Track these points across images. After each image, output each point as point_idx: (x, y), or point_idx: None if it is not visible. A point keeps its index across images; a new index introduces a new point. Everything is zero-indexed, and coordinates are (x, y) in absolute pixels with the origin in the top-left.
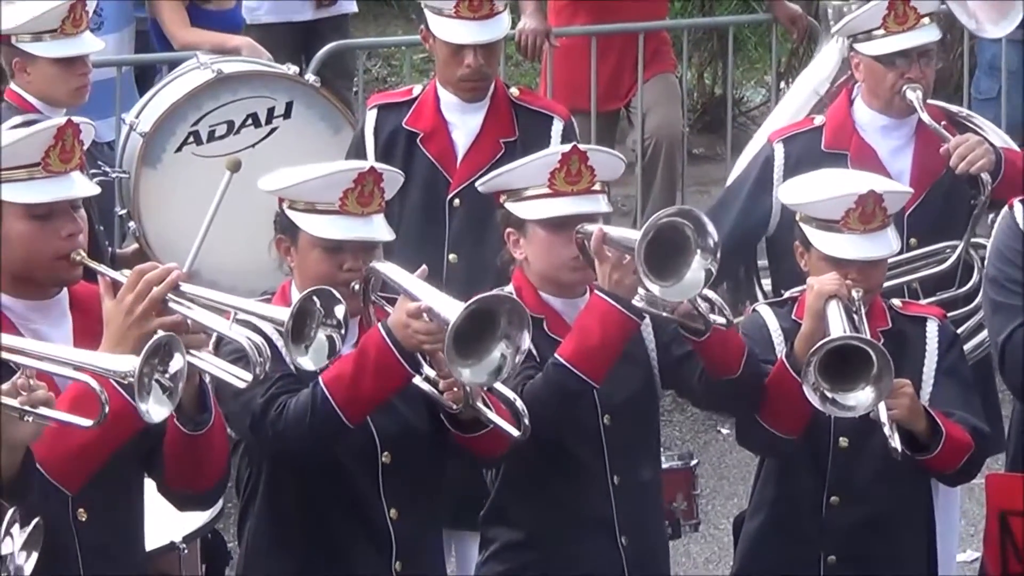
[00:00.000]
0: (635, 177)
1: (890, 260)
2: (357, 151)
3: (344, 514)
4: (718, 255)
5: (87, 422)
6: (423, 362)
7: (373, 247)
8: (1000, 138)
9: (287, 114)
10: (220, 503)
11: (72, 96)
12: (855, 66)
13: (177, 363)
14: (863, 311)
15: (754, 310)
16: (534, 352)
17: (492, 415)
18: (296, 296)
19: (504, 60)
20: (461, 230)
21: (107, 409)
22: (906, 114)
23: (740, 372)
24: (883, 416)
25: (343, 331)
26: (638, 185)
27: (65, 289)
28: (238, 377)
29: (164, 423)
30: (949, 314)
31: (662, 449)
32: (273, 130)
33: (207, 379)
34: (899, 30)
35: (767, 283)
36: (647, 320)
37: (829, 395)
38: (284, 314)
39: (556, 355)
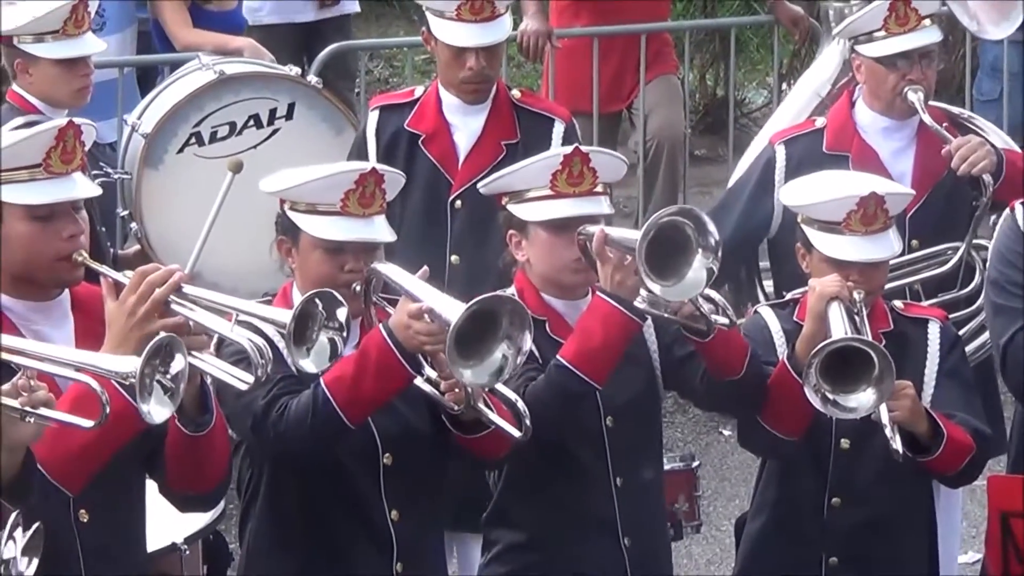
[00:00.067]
0: (637, 178)
1: (892, 262)
2: (359, 152)
3: (345, 515)
4: (719, 254)
5: (88, 423)
6: (424, 363)
7: (374, 248)
8: (1001, 139)
9: (289, 115)
10: (222, 504)
11: (74, 97)
12: (856, 68)
13: (178, 364)
14: (864, 313)
15: (755, 311)
16: (536, 354)
17: (493, 416)
18: (297, 297)
19: (506, 61)
20: (463, 232)
21: (108, 410)
22: (907, 116)
23: (743, 373)
24: (884, 418)
25: (345, 333)
26: (640, 186)
27: (67, 290)
28: (240, 379)
29: (165, 424)
30: (951, 316)
31: (664, 450)
32: (275, 131)
33: (208, 380)
34: (900, 31)
35: (768, 285)
36: (649, 321)
37: (830, 397)
38: (286, 316)
39: (558, 356)
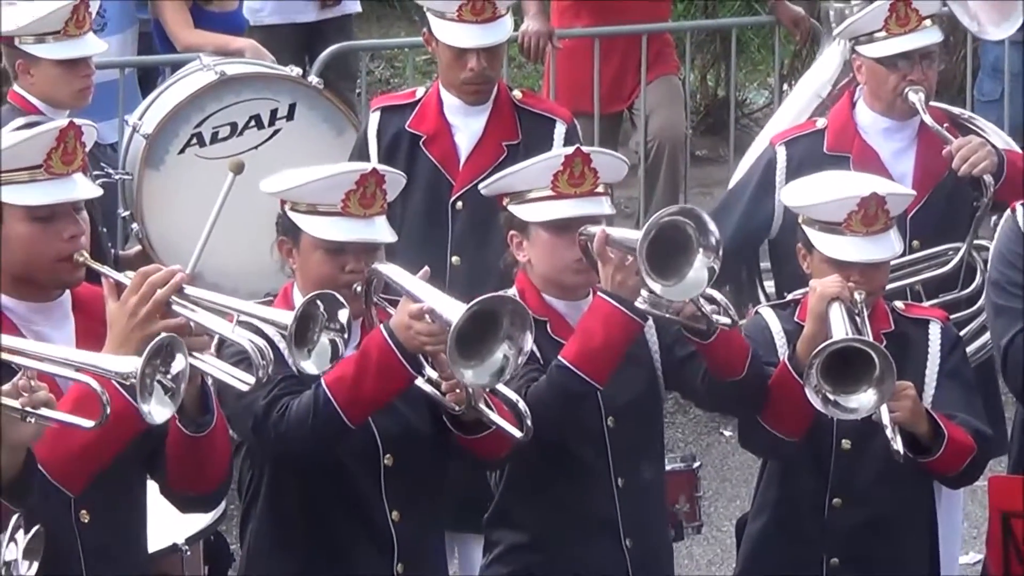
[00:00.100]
0: (638, 179)
1: (893, 262)
2: (360, 154)
3: (346, 516)
4: (720, 253)
5: (89, 423)
6: (425, 364)
7: (375, 249)
8: (1002, 140)
9: (290, 116)
10: (223, 505)
11: (75, 98)
12: (857, 68)
13: (179, 364)
14: (865, 313)
15: (756, 312)
16: (537, 354)
17: (494, 416)
18: (298, 298)
19: (507, 62)
20: (464, 233)
21: (108, 410)
22: (908, 116)
23: (744, 374)
24: (885, 418)
25: (346, 335)
26: (641, 187)
27: (67, 291)
28: (241, 380)
29: (166, 424)
30: (952, 316)
31: (664, 451)
32: (276, 132)
33: (209, 381)
34: (901, 32)
35: (770, 285)
36: (650, 322)
37: (831, 397)
38: (287, 318)
39: (559, 357)
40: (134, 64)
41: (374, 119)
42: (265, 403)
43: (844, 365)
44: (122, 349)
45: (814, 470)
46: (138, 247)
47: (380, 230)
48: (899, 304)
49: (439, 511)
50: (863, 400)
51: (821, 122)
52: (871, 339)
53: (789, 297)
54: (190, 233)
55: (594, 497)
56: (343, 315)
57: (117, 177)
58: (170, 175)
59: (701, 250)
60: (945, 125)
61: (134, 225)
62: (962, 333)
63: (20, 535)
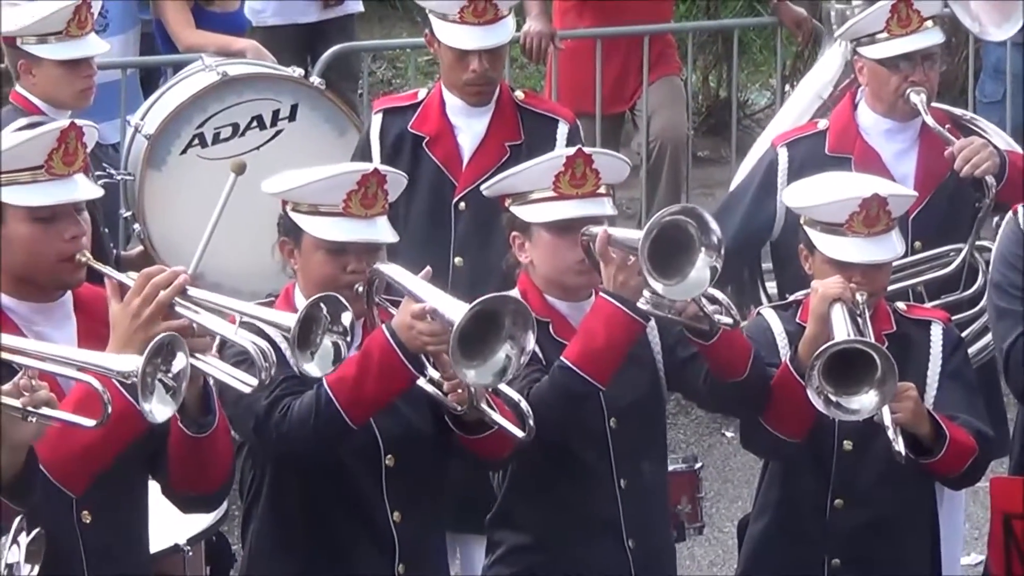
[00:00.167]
0: (640, 180)
1: (894, 263)
2: (362, 155)
3: (347, 516)
4: (722, 252)
5: (90, 422)
6: (427, 364)
7: (377, 249)
8: (1004, 141)
9: (292, 116)
10: (224, 505)
11: (77, 98)
12: (859, 70)
13: (180, 362)
14: (867, 314)
15: (758, 313)
16: (540, 355)
17: (496, 416)
18: (300, 298)
19: (509, 62)
20: (466, 234)
21: (109, 409)
22: (910, 117)
23: (746, 374)
24: (887, 419)
25: (349, 338)
26: (643, 188)
27: (69, 291)
28: (243, 382)
29: (168, 424)
30: (954, 317)
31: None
32: (278, 132)
33: (211, 381)
34: (902, 33)
35: (771, 286)
36: (652, 322)
37: (833, 398)
38: (290, 320)
39: (561, 358)
40: (136, 64)
41: (376, 120)
42: (267, 403)
43: (846, 366)
44: (125, 350)
45: (816, 471)
46: (140, 247)
47: (382, 230)
48: (901, 305)
49: (440, 511)
50: (865, 401)
51: (823, 123)
52: (873, 340)
53: (791, 298)
54: (192, 234)
55: (596, 498)
56: (346, 318)
57: (119, 177)
58: (172, 176)
59: (703, 249)
60: (947, 126)
61: (136, 226)
62: (964, 334)
63: (22, 537)
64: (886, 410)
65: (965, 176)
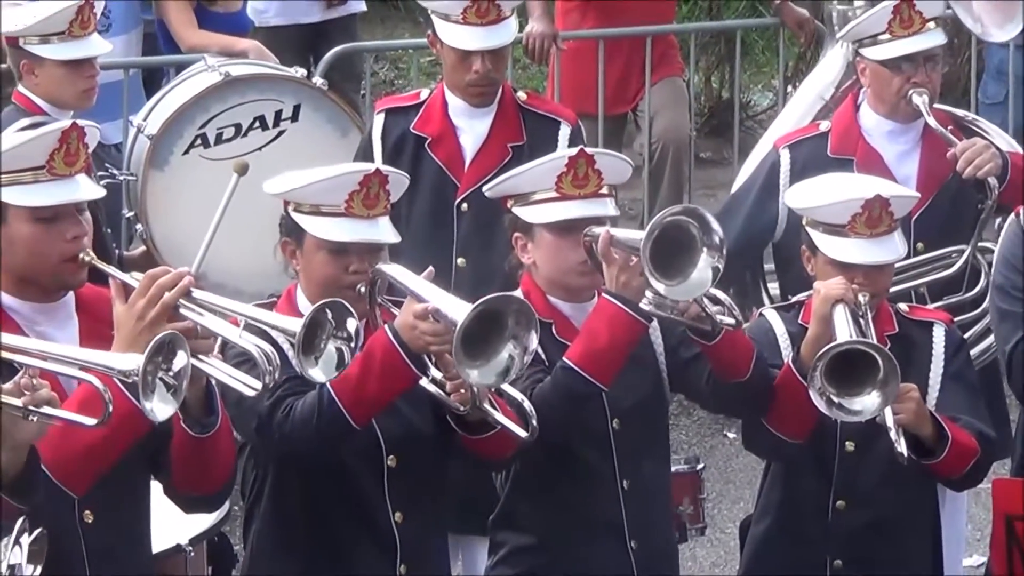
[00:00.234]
0: (642, 180)
1: (897, 265)
2: (365, 155)
3: (349, 517)
4: (724, 252)
5: (91, 420)
6: (429, 364)
7: (379, 249)
8: (1007, 142)
9: (294, 117)
10: (227, 505)
11: (80, 98)
12: (861, 71)
13: (180, 361)
14: (869, 315)
15: (761, 314)
16: (542, 356)
17: (499, 416)
18: (302, 299)
19: (511, 63)
20: (469, 235)
21: (110, 408)
22: (912, 119)
23: (749, 375)
24: (889, 421)
25: (353, 344)
26: (645, 188)
27: (71, 292)
28: (247, 385)
29: (170, 424)
30: (956, 319)
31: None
32: (280, 133)
33: (213, 382)
34: (904, 34)
35: (774, 287)
36: (655, 323)
37: (835, 399)
38: (296, 325)
39: (564, 358)
40: (139, 65)
41: (379, 121)
42: (269, 404)
43: (848, 367)
44: (130, 351)
45: (818, 472)
46: (142, 248)
47: (384, 231)
48: (903, 306)
49: (442, 512)
50: (867, 402)
51: (825, 125)
52: (875, 341)
53: (793, 299)
54: (194, 234)
55: (599, 499)
56: (351, 324)
57: (121, 178)
58: (174, 176)
59: (705, 249)
60: (949, 127)
61: (138, 226)
62: (967, 335)
63: (24, 538)
64: (888, 411)
65: (967, 177)
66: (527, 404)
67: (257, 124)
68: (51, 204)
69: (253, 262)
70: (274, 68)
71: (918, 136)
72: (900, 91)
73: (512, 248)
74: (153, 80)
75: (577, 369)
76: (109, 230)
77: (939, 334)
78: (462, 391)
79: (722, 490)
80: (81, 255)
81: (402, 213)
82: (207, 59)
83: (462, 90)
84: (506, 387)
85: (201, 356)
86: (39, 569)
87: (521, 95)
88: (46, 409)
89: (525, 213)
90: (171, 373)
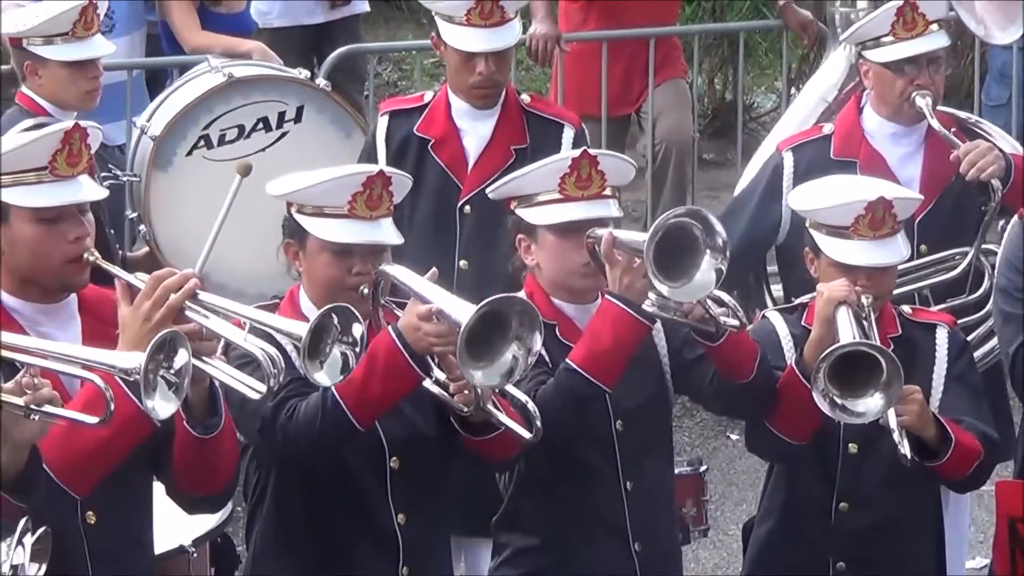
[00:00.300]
0: (645, 182)
1: (900, 267)
2: (368, 157)
3: (352, 518)
4: (727, 254)
5: (92, 419)
6: (433, 365)
7: (382, 251)
8: (1010, 144)
9: (298, 118)
10: (229, 506)
11: (83, 99)
12: (864, 73)
13: (182, 359)
14: (873, 317)
15: (764, 316)
16: (546, 358)
17: (503, 417)
18: (304, 301)
19: (514, 65)
20: (472, 237)
21: (112, 406)
22: (915, 121)
23: (753, 376)
24: (892, 422)
25: (358, 349)
26: (648, 190)
27: (74, 293)
28: (252, 388)
29: (172, 425)
30: (959, 321)
31: None
32: (284, 134)
33: (217, 383)
34: (908, 37)
35: (777, 289)
36: (658, 324)
37: (839, 401)
38: (302, 329)
39: (567, 360)
40: (142, 66)
41: (382, 123)
42: (273, 405)
43: (851, 369)
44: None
45: (821, 474)
46: (145, 249)
47: (386, 232)
48: (906, 308)
49: (445, 513)
50: (870, 404)
51: (828, 127)
52: (878, 343)
53: (796, 301)
54: (197, 235)
55: (602, 500)
56: (357, 329)
57: (125, 179)
58: (178, 177)
59: (708, 251)
60: (952, 130)
61: (141, 227)
62: (970, 338)
63: (27, 538)
64: (891, 413)
65: (971, 180)
66: (531, 405)
67: (260, 125)
68: (53, 205)
69: (256, 263)
70: (278, 69)
71: (921, 138)
72: (903, 93)
73: (515, 250)
74: (157, 81)
75: (580, 371)
76: (112, 231)
77: (942, 336)
78: (466, 392)
79: (725, 492)
80: (85, 255)
81: (405, 215)
82: (211, 60)
83: (466, 92)
84: (510, 388)
85: (205, 358)
86: (43, 568)
87: (525, 97)
88: (48, 408)
89: (528, 215)
90: (172, 371)
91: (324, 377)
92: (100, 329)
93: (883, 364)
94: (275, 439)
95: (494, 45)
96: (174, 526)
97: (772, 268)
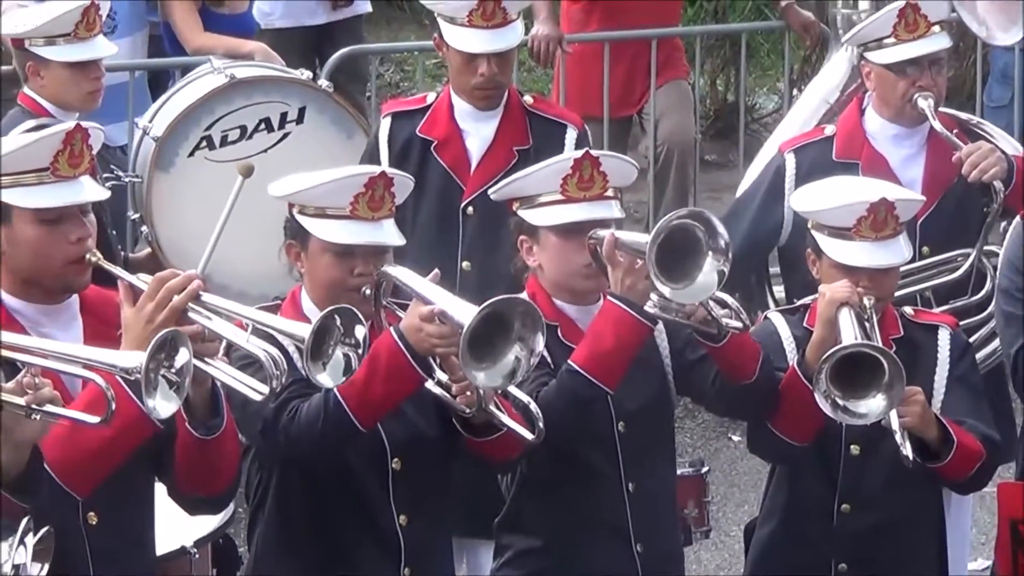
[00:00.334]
0: (647, 183)
1: (902, 268)
2: (371, 159)
3: (353, 520)
4: (730, 255)
5: (94, 419)
6: (435, 366)
7: (384, 251)
8: (1012, 146)
9: (300, 119)
10: (231, 507)
11: (85, 100)
12: (866, 75)
13: (183, 357)
14: (875, 319)
15: (766, 318)
16: (548, 359)
17: (505, 418)
18: (306, 302)
19: (516, 66)
20: (474, 238)
21: (113, 405)
22: (917, 122)
23: (755, 377)
24: (894, 424)
25: (360, 350)
26: (650, 191)
27: (75, 294)
28: (255, 389)
29: (174, 426)
30: (962, 322)
31: None
32: (286, 135)
33: (219, 384)
34: (910, 38)
35: (779, 291)
36: (661, 326)
37: (841, 402)
38: (305, 331)
39: (569, 361)
40: (144, 67)
41: (385, 124)
42: (275, 407)
43: (853, 370)
44: None
45: (823, 475)
46: (147, 250)
47: (388, 233)
48: (908, 310)
49: (447, 515)
50: (872, 405)
51: (830, 129)
52: (880, 344)
53: (798, 303)
54: (199, 236)
55: (605, 502)
56: (359, 331)
57: (127, 179)
58: (180, 178)
59: (710, 253)
60: (954, 131)
61: (143, 228)
62: (972, 339)
63: (29, 538)
64: (893, 414)
65: (973, 181)
66: (533, 406)
67: (262, 126)
68: (55, 206)
69: (258, 264)
70: (279, 70)
71: (923, 140)
72: (905, 95)
73: (517, 251)
74: (159, 82)
75: (582, 372)
76: (114, 232)
77: (944, 338)
78: (468, 394)
79: (727, 493)
80: (87, 256)
81: (408, 216)
82: (213, 61)
83: (468, 93)
84: (512, 389)
85: (207, 359)
86: (46, 568)
87: (527, 99)
88: (49, 408)
89: (530, 216)
90: (173, 370)
91: (327, 378)
92: (102, 330)
93: (885, 365)
94: (277, 440)
95: (496, 46)
96: (176, 527)
97: (774, 269)
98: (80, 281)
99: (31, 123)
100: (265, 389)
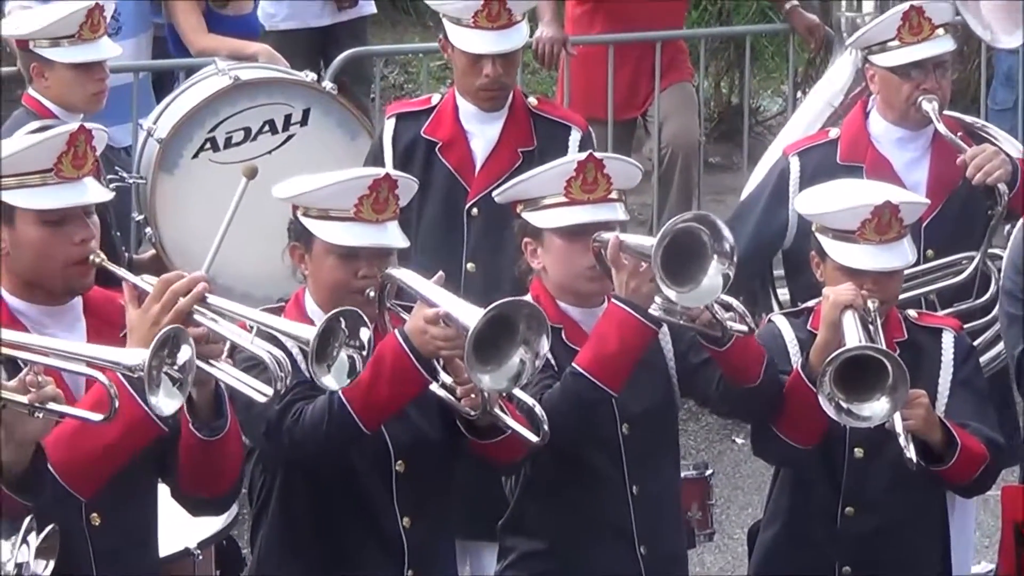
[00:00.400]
0: (651, 186)
1: (907, 271)
2: (375, 160)
3: (357, 522)
4: (735, 259)
5: (96, 416)
6: (439, 368)
7: (388, 254)
8: (1016, 148)
9: (304, 121)
10: (235, 509)
11: (89, 102)
12: (870, 78)
13: (185, 354)
14: (879, 322)
15: (770, 320)
16: (552, 362)
17: (510, 421)
18: (310, 304)
19: (521, 68)
20: (479, 239)
21: (116, 403)
22: (922, 125)
23: (760, 380)
24: (898, 427)
25: (365, 352)
26: (654, 194)
27: (79, 295)
28: (259, 391)
29: (177, 426)
30: (966, 325)
31: None
32: (290, 137)
33: (223, 385)
34: (914, 41)
35: (783, 293)
36: (665, 328)
37: (844, 405)
38: (310, 333)
39: (573, 364)
40: (148, 68)
41: (389, 126)
42: (279, 408)
43: (857, 373)
44: None
45: (826, 478)
46: (152, 251)
47: (392, 235)
48: (912, 313)
49: (450, 517)
50: (876, 408)
51: (834, 132)
52: (884, 347)
53: (803, 305)
54: (203, 237)
55: (608, 504)
56: (364, 333)
57: (131, 181)
58: (184, 179)
59: (715, 256)
60: (959, 134)
61: (148, 229)
62: (977, 342)
63: (32, 537)
64: (897, 417)
65: (977, 184)
66: (538, 408)
67: (267, 128)
68: (58, 207)
69: (262, 266)
70: (284, 72)
71: (927, 143)
72: (909, 98)
73: (521, 253)
74: (163, 83)
75: (587, 375)
76: (118, 233)
77: (948, 341)
78: (473, 396)
79: (730, 496)
80: (91, 257)
81: (412, 218)
82: (217, 63)
83: (473, 94)
84: (517, 392)
85: (212, 360)
86: (51, 565)
87: (532, 100)
88: (51, 406)
89: (534, 218)
90: (176, 367)
91: (331, 380)
92: (105, 331)
93: (889, 368)
94: (281, 442)
95: (501, 47)
96: (179, 528)
97: (778, 272)
98: (83, 282)
99: (35, 124)
100: (269, 391)
